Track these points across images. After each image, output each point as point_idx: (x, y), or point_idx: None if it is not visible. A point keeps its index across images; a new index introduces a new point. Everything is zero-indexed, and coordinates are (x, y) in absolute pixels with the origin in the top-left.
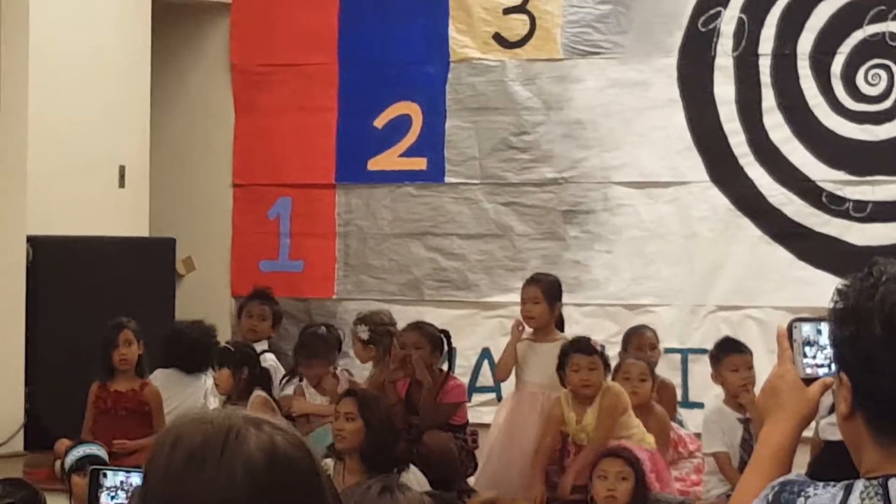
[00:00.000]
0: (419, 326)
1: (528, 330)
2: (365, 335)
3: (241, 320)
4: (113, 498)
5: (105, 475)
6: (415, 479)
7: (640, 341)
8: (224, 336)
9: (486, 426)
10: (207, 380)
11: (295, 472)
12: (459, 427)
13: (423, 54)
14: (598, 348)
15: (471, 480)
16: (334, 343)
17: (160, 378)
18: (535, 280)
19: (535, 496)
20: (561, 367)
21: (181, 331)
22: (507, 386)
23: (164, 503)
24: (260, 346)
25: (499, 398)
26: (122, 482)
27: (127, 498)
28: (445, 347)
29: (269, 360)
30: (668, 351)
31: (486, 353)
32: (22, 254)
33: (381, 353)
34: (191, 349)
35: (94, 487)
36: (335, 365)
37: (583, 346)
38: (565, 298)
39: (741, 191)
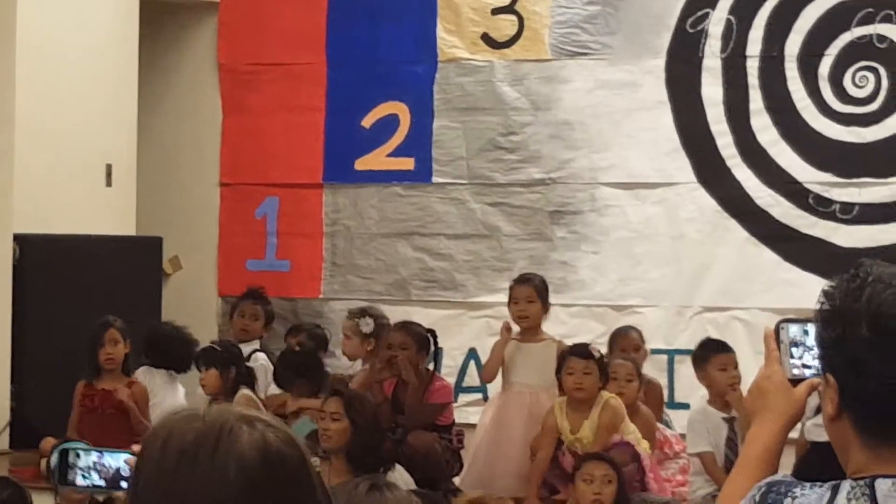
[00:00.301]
0: (406, 326)
1: (516, 330)
2: (369, 328)
3: (234, 319)
4: (85, 478)
5: (78, 455)
6: (401, 478)
7: (624, 343)
8: (210, 336)
9: (473, 426)
10: (180, 386)
11: (287, 469)
12: (445, 427)
13: (412, 54)
14: (596, 354)
15: (456, 480)
16: (311, 359)
17: (146, 377)
18: (527, 279)
19: None
20: (558, 371)
21: (172, 333)
22: (494, 386)
23: (156, 500)
24: (251, 346)
25: (485, 398)
26: (94, 462)
27: (101, 478)
28: (432, 347)
29: (260, 359)
30: (655, 352)
31: (472, 354)
32: (8, 252)
33: (379, 347)
34: (176, 350)
35: (64, 467)
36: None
37: (580, 350)
38: (552, 299)
39: (728, 192)
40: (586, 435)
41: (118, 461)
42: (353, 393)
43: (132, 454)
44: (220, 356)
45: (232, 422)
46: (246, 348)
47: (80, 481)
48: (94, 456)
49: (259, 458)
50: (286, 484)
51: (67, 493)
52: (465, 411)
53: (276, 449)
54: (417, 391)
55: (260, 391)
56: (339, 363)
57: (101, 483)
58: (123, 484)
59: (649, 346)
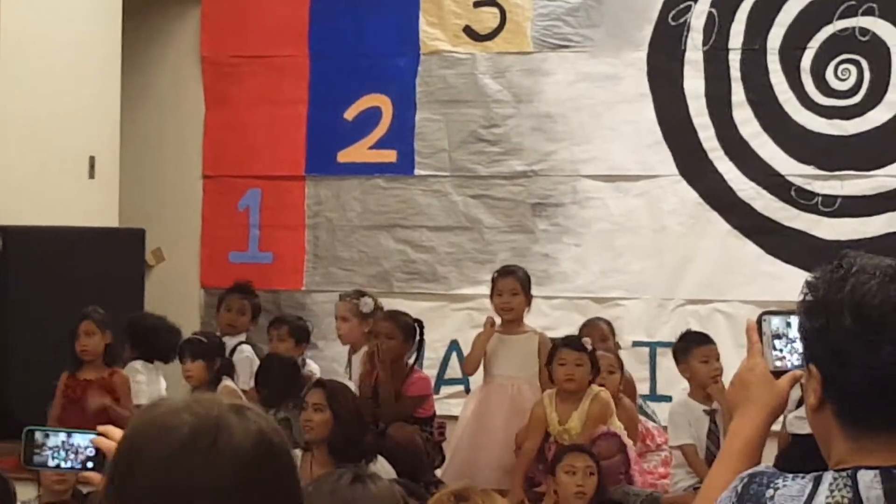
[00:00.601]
0: (393, 315)
1: (498, 321)
2: (369, 308)
3: (221, 313)
4: (54, 458)
5: (47, 435)
6: (383, 470)
7: (591, 333)
8: (193, 327)
9: (455, 418)
10: (162, 378)
11: (277, 457)
12: (426, 419)
13: (394, 47)
14: (589, 347)
15: (438, 472)
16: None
17: (141, 370)
18: (510, 272)
19: (515, 502)
20: (549, 363)
21: (157, 324)
22: (476, 378)
23: (155, 493)
24: (237, 339)
25: (467, 390)
26: (63, 442)
27: (69, 458)
28: (418, 337)
29: (245, 351)
30: (637, 344)
31: (454, 346)
32: None
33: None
34: (162, 341)
35: (30, 448)
36: (303, 358)
37: (572, 341)
38: (534, 291)
39: (710, 185)
40: (574, 426)
41: (86, 441)
42: (335, 384)
43: (97, 434)
44: (206, 348)
45: (224, 412)
46: (231, 340)
47: (50, 462)
48: (62, 436)
49: (254, 448)
50: (277, 471)
51: (49, 483)
52: (447, 403)
53: (269, 438)
54: (389, 385)
55: (244, 383)
56: (322, 354)
57: (71, 464)
58: (90, 464)
59: (631, 338)
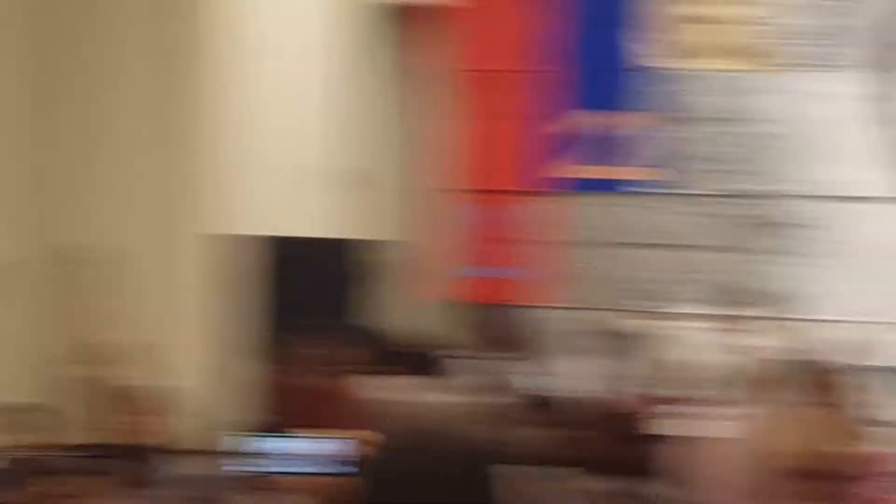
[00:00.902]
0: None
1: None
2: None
3: (479, 332)
4: (276, 464)
5: (269, 441)
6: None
7: (809, 357)
8: (435, 342)
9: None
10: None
11: (496, 467)
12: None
13: (639, 64)
14: (823, 370)
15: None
16: None
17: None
18: (736, 293)
19: None
20: (778, 386)
21: (413, 340)
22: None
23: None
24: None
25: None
26: (282, 448)
27: (288, 463)
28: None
29: (505, 372)
30: (871, 369)
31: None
32: (205, 253)
33: None
34: (417, 357)
35: (248, 454)
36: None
37: (804, 365)
38: (768, 313)
39: None
40: (804, 450)
41: (312, 446)
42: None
43: (349, 440)
44: (461, 363)
45: (467, 421)
46: (486, 361)
47: (275, 467)
48: (279, 441)
49: (481, 449)
50: (489, 471)
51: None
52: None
53: (488, 444)
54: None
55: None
56: (560, 371)
57: (301, 468)
58: (317, 468)
59: (876, 362)
